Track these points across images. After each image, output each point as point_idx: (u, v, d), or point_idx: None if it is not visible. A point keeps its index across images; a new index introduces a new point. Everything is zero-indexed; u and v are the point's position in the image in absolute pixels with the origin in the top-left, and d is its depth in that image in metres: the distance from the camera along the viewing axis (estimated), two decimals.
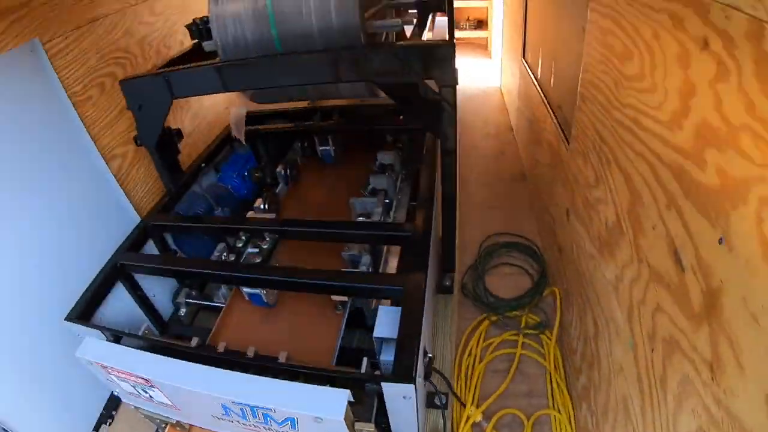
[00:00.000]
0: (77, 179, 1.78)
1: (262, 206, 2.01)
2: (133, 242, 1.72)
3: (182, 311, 1.91)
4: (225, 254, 1.78)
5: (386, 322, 1.20)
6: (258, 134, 2.30)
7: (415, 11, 2.19)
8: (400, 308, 1.20)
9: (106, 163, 1.89)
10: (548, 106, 2.40)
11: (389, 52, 1.37)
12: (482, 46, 6.19)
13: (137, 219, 2.00)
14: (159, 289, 1.89)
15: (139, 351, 1.30)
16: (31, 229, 1.59)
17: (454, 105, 1.42)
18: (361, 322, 1.64)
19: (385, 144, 2.31)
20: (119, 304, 1.67)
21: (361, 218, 1.94)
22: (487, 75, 5.37)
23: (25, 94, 1.59)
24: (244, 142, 2.02)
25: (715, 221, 0.89)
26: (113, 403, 1.87)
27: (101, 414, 1.84)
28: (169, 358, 1.24)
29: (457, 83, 1.38)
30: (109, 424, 1.85)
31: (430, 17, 1.94)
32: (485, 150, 3.82)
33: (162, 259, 1.66)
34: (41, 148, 1.64)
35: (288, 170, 2.25)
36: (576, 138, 1.82)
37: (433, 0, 1.88)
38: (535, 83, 2.76)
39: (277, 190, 2.25)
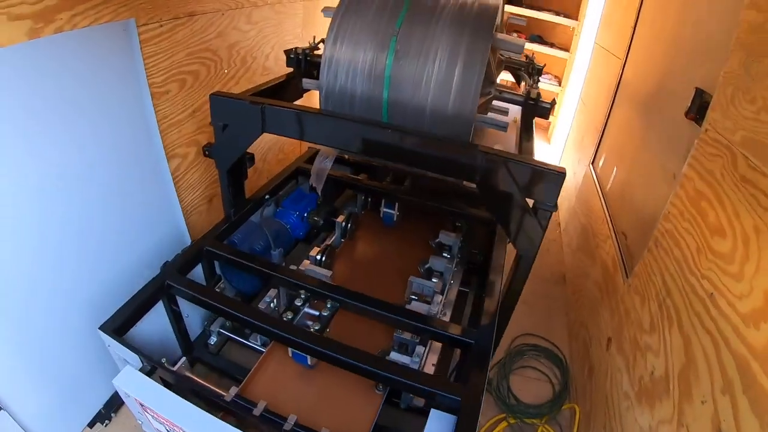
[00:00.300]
0: (138, 168, 1.78)
1: (318, 257, 2.07)
2: (184, 263, 1.74)
3: (212, 339, 1.95)
4: (275, 302, 1.83)
5: (438, 428, 1.25)
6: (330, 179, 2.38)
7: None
8: (455, 417, 1.25)
9: (167, 161, 1.89)
10: (611, 226, 2.47)
11: (499, 161, 1.43)
12: (543, 129, 6.23)
13: (181, 220, 2.02)
14: (193, 311, 1.90)
15: (181, 400, 1.31)
16: (81, 200, 1.57)
17: (545, 228, 1.49)
18: (396, 399, 1.67)
19: (447, 223, 2.39)
20: (152, 317, 1.66)
21: (413, 297, 2.00)
22: (543, 159, 5.40)
23: (109, 71, 1.58)
24: (319, 194, 2.09)
25: (766, 426, 0.94)
26: (115, 401, 1.87)
27: (100, 412, 1.84)
28: (209, 415, 1.26)
29: (556, 210, 1.46)
30: (106, 425, 1.84)
31: (533, 122, 2.01)
32: None
33: (213, 295, 1.65)
34: (111, 131, 1.63)
35: (348, 223, 2.32)
36: (638, 276, 1.88)
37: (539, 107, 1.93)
38: (601, 196, 2.84)
39: (331, 241, 2.32)
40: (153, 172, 1.89)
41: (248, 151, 1.85)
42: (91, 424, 1.80)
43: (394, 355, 1.62)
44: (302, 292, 1.74)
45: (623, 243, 2.25)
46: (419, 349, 1.58)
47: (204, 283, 1.86)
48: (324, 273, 1.95)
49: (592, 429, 2.03)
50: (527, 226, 1.50)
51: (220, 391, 1.49)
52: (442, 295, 1.95)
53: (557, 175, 1.40)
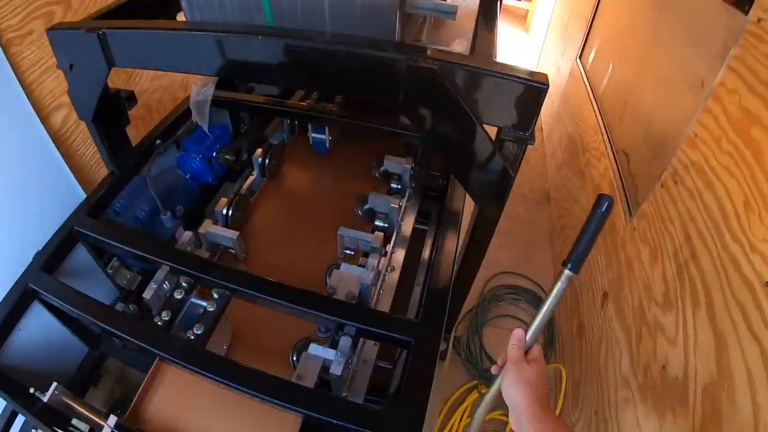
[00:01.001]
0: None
1: (224, 212, 1.60)
2: (51, 257, 1.31)
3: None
4: (166, 284, 1.38)
5: None
6: (236, 104, 1.85)
7: None
8: None
9: (50, 114, 1.54)
10: (608, 141, 1.98)
11: (434, 67, 0.86)
12: (520, 18, 5.54)
13: (76, 186, 1.64)
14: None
15: None
16: None
17: (516, 168, 0.99)
18: None
19: (396, 144, 1.89)
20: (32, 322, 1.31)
21: (347, 251, 1.56)
22: (520, 52, 4.80)
23: None
24: (206, 130, 1.59)
25: None
26: None
27: None
28: None
29: (532, 141, 0.94)
30: None
31: (497, 7, 1.45)
32: None
33: (81, 302, 1.23)
34: None
35: (267, 159, 1.82)
36: (646, 217, 1.42)
37: None
38: (593, 100, 2.31)
39: (246, 186, 1.84)
40: (23, 132, 1.51)
41: (125, 88, 1.45)
42: None
43: (314, 350, 1.18)
44: (182, 279, 1.30)
45: (624, 166, 1.76)
46: (344, 341, 1.15)
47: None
48: (228, 235, 1.48)
49: (582, 405, 1.67)
50: (487, 169, 0.99)
51: (99, 421, 1.11)
52: (385, 249, 1.50)
53: (534, 89, 0.86)
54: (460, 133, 0.91)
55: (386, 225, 1.62)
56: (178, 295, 1.30)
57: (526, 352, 0.82)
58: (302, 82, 1.06)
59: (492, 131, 0.94)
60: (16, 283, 1.28)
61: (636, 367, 1.30)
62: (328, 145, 1.96)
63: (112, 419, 1.13)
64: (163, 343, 1.13)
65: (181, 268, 1.26)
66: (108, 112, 1.44)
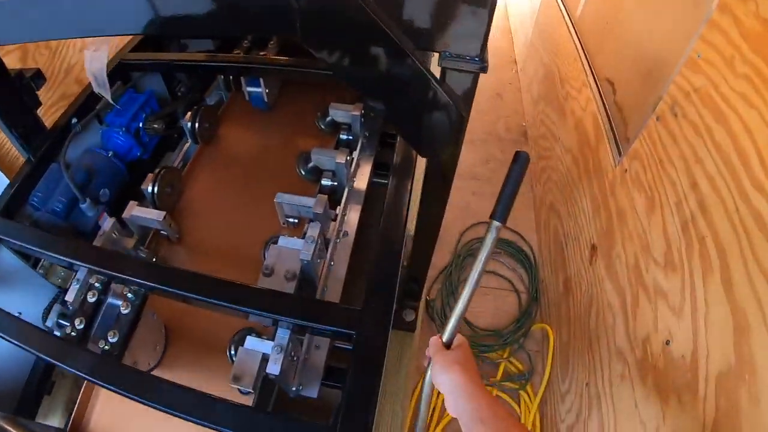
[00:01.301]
0: None
1: (150, 189, 1.36)
2: None
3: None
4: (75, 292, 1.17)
5: None
6: (166, 65, 1.58)
7: None
8: None
9: None
10: (588, 69, 1.73)
11: None
12: None
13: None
14: (29, 303, 1.37)
15: None
16: None
17: (468, 106, 0.76)
18: None
19: (343, 89, 1.64)
20: None
21: (290, 219, 1.35)
22: None
23: None
24: (111, 100, 1.33)
25: None
26: None
27: None
28: None
29: (484, 68, 0.69)
30: None
31: None
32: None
33: None
34: None
35: (198, 123, 1.56)
36: (639, 158, 1.21)
37: None
38: (570, 25, 2.05)
39: (179, 158, 1.60)
40: None
41: (28, 67, 1.26)
42: None
43: (251, 343, 0.97)
44: (94, 278, 1.09)
45: (609, 97, 1.53)
46: (282, 333, 0.95)
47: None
48: (154, 216, 1.26)
49: (572, 375, 1.50)
50: (431, 113, 0.75)
51: None
52: (335, 212, 1.29)
53: None
54: (384, 69, 0.67)
55: (335, 183, 1.40)
56: (91, 298, 1.10)
57: (449, 346, 0.79)
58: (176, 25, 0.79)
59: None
60: None
61: (633, 339, 1.11)
62: (266, 99, 1.70)
63: None
64: (69, 358, 0.94)
65: (84, 264, 1.05)
66: (10, 97, 1.24)
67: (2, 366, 1.28)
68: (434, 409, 1.68)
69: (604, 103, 1.55)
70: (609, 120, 1.49)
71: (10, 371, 1.33)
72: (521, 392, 1.71)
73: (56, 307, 1.13)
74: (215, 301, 0.94)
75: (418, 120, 0.75)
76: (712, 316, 0.83)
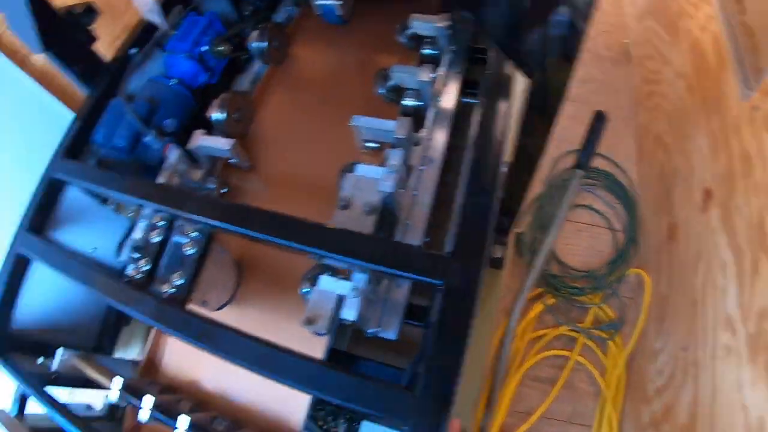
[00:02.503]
0: None
1: (218, 115, 1.35)
2: (37, 213, 1.19)
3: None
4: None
5: None
6: None
7: None
8: None
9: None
10: None
11: None
12: None
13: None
14: (104, 237, 1.43)
15: None
16: None
17: (587, 19, 0.67)
18: None
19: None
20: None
21: (370, 144, 1.28)
22: None
23: None
24: (165, 24, 1.30)
25: None
26: None
27: None
28: None
29: None
30: None
31: None
32: None
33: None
34: None
35: (268, 41, 1.51)
36: None
37: None
38: None
39: (248, 81, 1.56)
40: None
41: (78, 3, 1.24)
42: None
43: (325, 283, 0.96)
44: (157, 217, 1.12)
45: (735, 17, 1.32)
46: (358, 275, 0.93)
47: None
48: (221, 145, 1.24)
49: (668, 334, 1.42)
50: (545, 26, 0.68)
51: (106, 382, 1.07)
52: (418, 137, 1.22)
53: None
54: None
55: (419, 104, 1.31)
56: (156, 238, 1.12)
57: None
58: None
59: None
60: (8, 252, 1.19)
61: (747, 310, 1.02)
62: (339, 12, 1.61)
63: (118, 381, 1.08)
64: (132, 302, 0.96)
65: (146, 201, 1.07)
66: (63, 37, 1.23)
67: (82, 301, 1.36)
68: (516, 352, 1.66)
69: (729, 23, 1.35)
70: (735, 44, 1.30)
71: (89, 307, 1.42)
72: (610, 342, 1.65)
73: (129, 241, 1.17)
74: (283, 241, 0.91)
75: (530, 37, 0.68)
76: None
